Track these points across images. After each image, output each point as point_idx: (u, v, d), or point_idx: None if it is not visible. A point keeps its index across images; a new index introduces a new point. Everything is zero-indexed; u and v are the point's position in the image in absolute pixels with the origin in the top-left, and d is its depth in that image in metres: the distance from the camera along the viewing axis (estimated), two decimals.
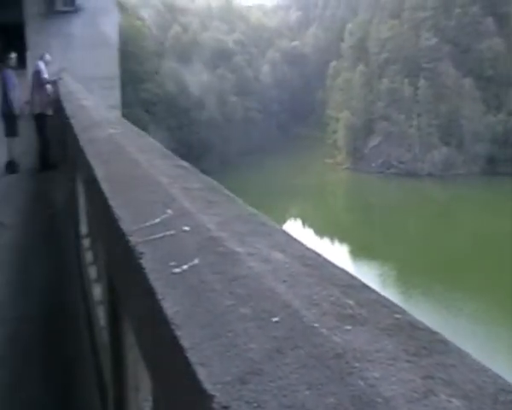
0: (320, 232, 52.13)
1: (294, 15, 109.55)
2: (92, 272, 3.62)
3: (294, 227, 51.79)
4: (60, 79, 11.50)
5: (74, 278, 4.67)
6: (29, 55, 13.23)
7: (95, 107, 5.68)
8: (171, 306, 1.00)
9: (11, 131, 11.16)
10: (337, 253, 41.06)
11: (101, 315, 2.94)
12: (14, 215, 7.80)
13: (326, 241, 49.38)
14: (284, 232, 1.39)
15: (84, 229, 4.49)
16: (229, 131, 77.31)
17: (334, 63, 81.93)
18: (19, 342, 3.93)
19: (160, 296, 1.04)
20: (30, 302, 4.66)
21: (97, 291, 3.28)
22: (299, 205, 63.61)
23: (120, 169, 2.22)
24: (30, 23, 13.12)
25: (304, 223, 57.34)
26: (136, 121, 3.77)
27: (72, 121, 4.40)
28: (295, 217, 59.81)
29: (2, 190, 9.28)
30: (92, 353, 3.16)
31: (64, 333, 3.93)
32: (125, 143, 2.74)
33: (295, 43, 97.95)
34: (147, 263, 1.21)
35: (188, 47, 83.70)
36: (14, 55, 11.55)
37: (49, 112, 11.09)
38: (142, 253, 1.26)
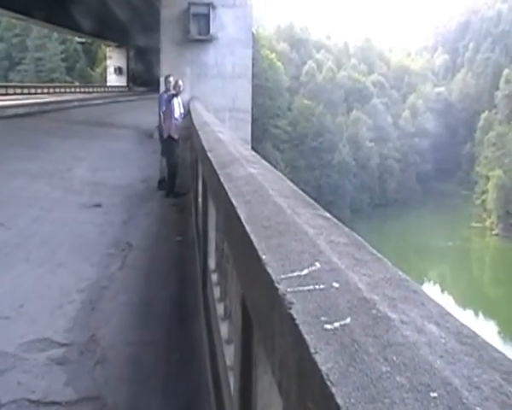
0: (462, 303, 49.14)
1: (440, 59, 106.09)
2: (220, 308, 3.77)
3: (432, 292, 49.23)
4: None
5: (199, 312, 4.88)
6: (163, 80, 14.12)
7: (231, 141, 5.87)
8: (325, 361, 1.05)
9: (162, 152, 12.40)
10: (481, 329, 38.38)
11: (227, 354, 3.06)
12: (140, 237, 8.32)
13: (468, 313, 46.28)
14: (437, 303, 1.40)
15: (212, 264, 4.69)
16: (363, 179, 75.99)
17: (485, 114, 77.68)
18: (140, 366, 4.18)
19: (312, 350, 1.10)
20: (152, 328, 4.94)
21: (224, 329, 3.41)
22: (439, 269, 60.41)
23: (264, 212, 2.28)
24: (165, 49, 13.94)
25: (443, 289, 54.45)
26: (264, 158, 3.90)
27: (210, 155, 4.63)
28: (434, 281, 56.96)
29: (129, 212, 9.88)
30: (214, 390, 3.27)
31: (185, 365, 4.12)
32: (265, 184, 2.81)
33: (440, 89, 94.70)
34: (297, 314, 1.27)
35: (322, 85, 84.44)
36: (171, 79, 12.51)
37: (176, 136, 11.89)
38: (291, 303, 1.33)
